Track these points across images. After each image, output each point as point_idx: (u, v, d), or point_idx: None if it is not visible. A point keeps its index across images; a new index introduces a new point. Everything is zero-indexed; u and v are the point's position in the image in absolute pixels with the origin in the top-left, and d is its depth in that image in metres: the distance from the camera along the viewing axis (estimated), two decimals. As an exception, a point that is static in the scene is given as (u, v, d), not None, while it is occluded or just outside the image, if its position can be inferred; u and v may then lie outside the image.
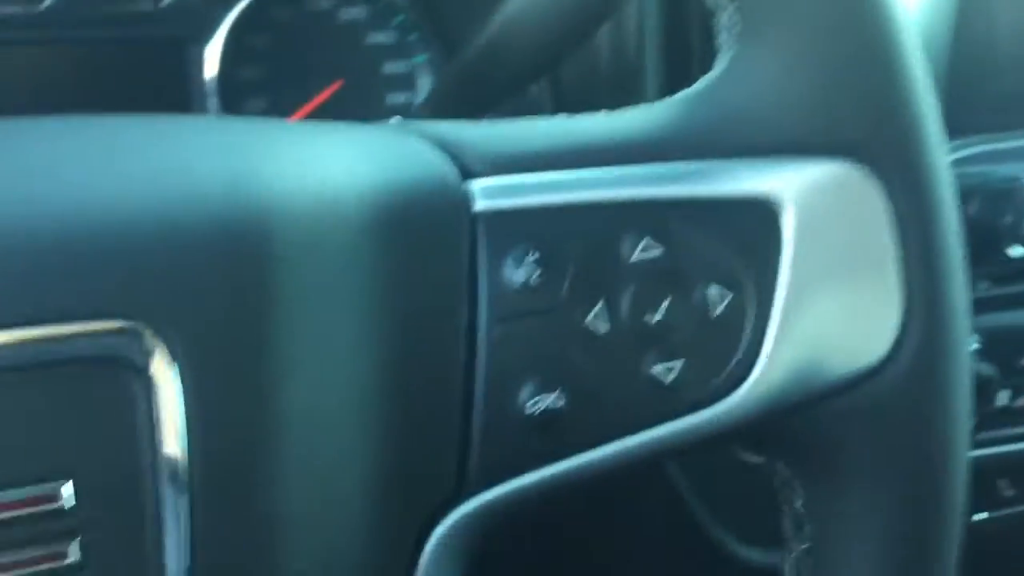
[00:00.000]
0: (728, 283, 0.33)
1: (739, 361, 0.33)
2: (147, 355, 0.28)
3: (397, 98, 0.80)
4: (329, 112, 0.77)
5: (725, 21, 0.35)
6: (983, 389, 0.69)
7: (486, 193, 0.33)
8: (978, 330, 0.70)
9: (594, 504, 0.70)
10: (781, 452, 0.37)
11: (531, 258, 0.32)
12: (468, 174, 0.33)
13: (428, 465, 0.32)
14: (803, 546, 0.36)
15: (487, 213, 0.33)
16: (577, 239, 0.33)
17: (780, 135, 0.34)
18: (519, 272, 0.32)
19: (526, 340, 0.32)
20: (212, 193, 0.29)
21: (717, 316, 0.33)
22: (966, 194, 0.67)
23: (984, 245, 0.68)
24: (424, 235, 0.32)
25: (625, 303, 0.33)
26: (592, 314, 0.33)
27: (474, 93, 0.60)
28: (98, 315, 0.27)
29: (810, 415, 0.34)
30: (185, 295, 0.28)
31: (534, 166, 0.33)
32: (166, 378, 0.28)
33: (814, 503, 0.36)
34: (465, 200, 0.33)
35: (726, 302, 0.33)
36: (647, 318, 0.33)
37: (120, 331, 0.27)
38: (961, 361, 0.35)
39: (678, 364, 0.33)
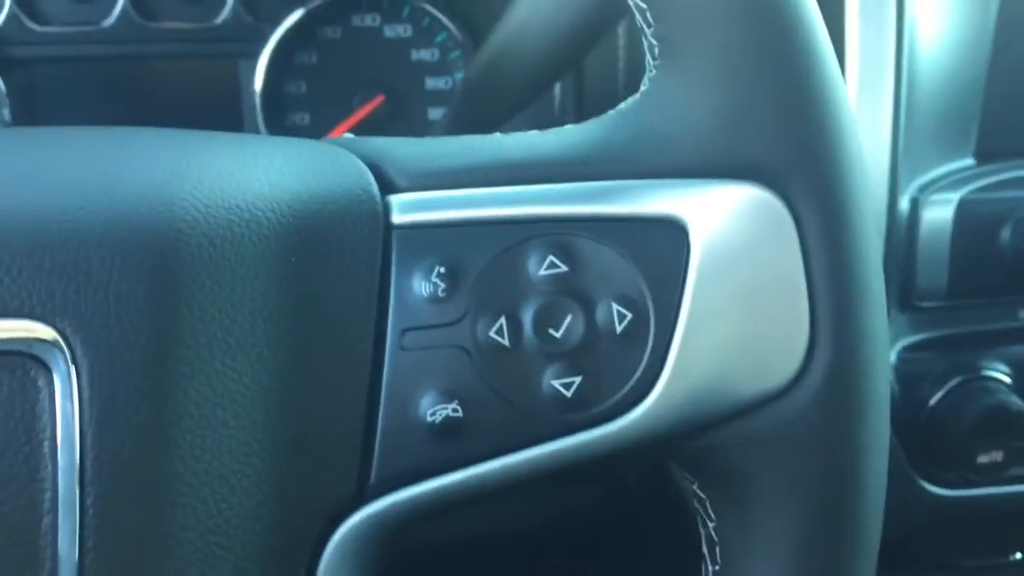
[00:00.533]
0: (631, 302, 0.34)
1: (640, 379, 0.34)
2: (50, 352, 0.30)
3: (438, 113, 0.82)
4: (371, 126, 0.80)
5: (647, 44, 0.35)
6: (1014, 424, 0.66)
7: (403, 207, 0.34)
8: (1011, 362, 0.68)
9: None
10: (693, 474, 0.37)
11: (438, 271, 0.33)
12: (389, 188, 0.34)
13: (330, 468, 0.33)
14: (713, 569, 0.36)
15: (401, 226, 0.34)
16: (483, 254, 0.34)
17: (690, 157, 0.34)
18: (426, 285, 0.33)
19: (430, 350, 0.33)
20: (127, 200, 0.32)
21: (619, 334, 0.34)
22: (999, 219, 0.65)
23: (1019, 272, 0.66)
24: (339, 245, 0.33)
25: (528, 318, 0.34)
26: (494, 328, 0.33)
27: (484, 108, 0.61)
28: (7, 314, 0.30)
29: (715, 437, 0.34)
30: (91, 298, 0.30)
31: (453, 182, 0.35)
32: (67, 374, 0.30)
33: (723, 527, 0.36)
34: (383, 213, 0.34)
35: (628, 320, 0.34)
36: (549, 333, 0.33)
37: (26, 330, 0.30)
38: (873, 390, 0.34)
39: (578, 379, 0.33)
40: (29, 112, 0.77)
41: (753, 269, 0.34)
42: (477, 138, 0.37)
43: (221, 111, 0.80)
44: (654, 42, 0.35)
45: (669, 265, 0.34)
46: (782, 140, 0.33)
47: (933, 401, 0.67)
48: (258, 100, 0.78)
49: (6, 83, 0.76)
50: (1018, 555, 0.74)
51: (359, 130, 0.80)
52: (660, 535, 0.74)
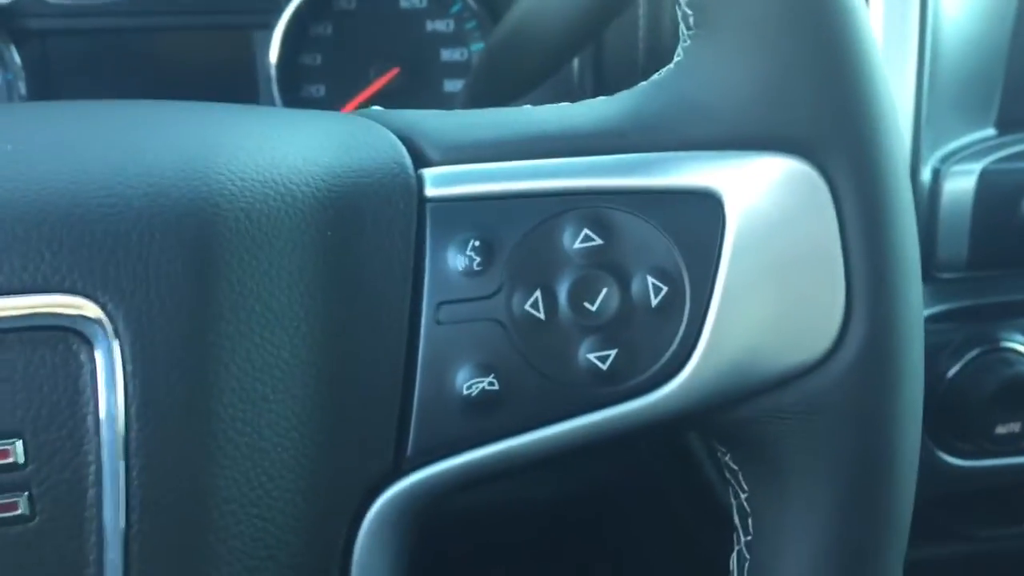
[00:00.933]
0: (667, 275, 0.34)
1: (675, 351, 0.34)
2: (92, 327, 0.30)
3: (454, 85, 0.81)
4: (387, 98, 0.80)
5: (681, 13, 0.35)
6: (1032, 394, 0.66)
7: (436, 181, 0.34)
8: (1030, 332, 0.68)
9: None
10: (726, 446, 0.37)
11: (473, 244, 0.33)
12: (422, 162, 0.34)
13: (367, 441, 0.33)
14: (746, 539, 0.37)
15: (435, 200, 0.34)
16: (518, 227, 0.34)
17: (726, 128, 0.34)
18: (461, 258, 0.33)
19: (465, 324, 0.33)
20: (164, 175, 0.31)
21: (654, 307, 0.34)
22: (1020, 190, 0.65)
23: (1039, 243, 0.66)
24: (374, 218, 0.33)
25: (563, 291, 0.34)
26: (530, 301, 0.33)
27: (504, 80, 0.61)
28: (48, 289, 0.30)
29: (750, 409, 0.34)
30: (131, 272, 0.30)
31: (486, 155, 0.34)
32: (109, 348, 0.30)
33: (756, 498, 0.36)
34: (416, 187, 0.34)
35: (664, 293, 0.34)
36: (585, 307, 0.33)
37: (68, 305, 0.30)
38: (908, 362, 0.34)
39: (613, 352, 0.33)
40: (44, 85, 0.77)
41: (789, 241, 0.34)
42: (509, 110, 0.37)
43: (236, 83, 0.80)
44: (688, 12, 0.35)
45: (705, 238, 0.34)
46: (819, 111, 0.33)
47: (951, 373, 0.67)
48: (273, 72, 0.78)
49: (21, 56, 0.75)
50: (1034, 524, 0.74)
51: (374, 102, 0.79)
52: (682, 511, 0.74)
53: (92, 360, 0.30)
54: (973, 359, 0.67)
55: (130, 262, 0.30)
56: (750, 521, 0.36)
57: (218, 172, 0.32)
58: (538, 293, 0.33)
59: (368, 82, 0.80)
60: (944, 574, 0.76)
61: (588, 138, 0.35)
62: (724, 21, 0.34)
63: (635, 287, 0.34)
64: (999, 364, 0.67)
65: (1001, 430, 0.67)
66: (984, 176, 0.64)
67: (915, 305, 0.34)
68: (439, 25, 0.81)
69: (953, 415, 0.67)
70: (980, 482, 0.70)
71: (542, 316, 0.33)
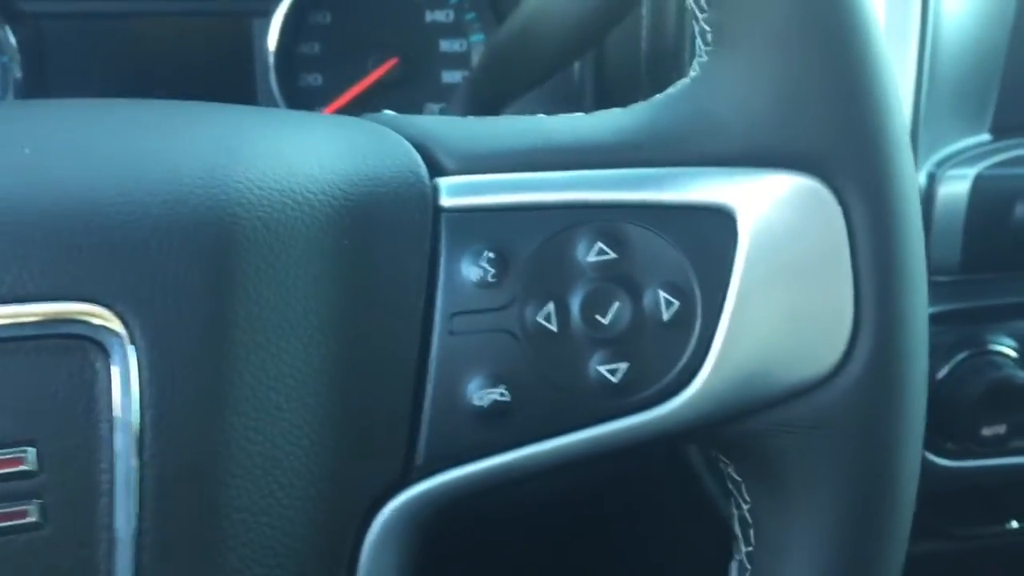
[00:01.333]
0: (679, 289, 0.34)
1: (685, 366, 0.34)
2: (108, 335, 0.30)
3: (453, 76, 0.81)
4: (385, 89, 0.80)
5: (700, 28, 0.35)
6: (1018, 397, 0.67)
7: (451, 190, 0.34)
8: (1018, 336, 0.69)
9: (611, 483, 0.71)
10: (730, 456, 0.37)
11: (487, 256, 0.34)
12: (437, 171, 0.35)
13: (377, 448, 0.33)
14: (747, 550, 0.37)
15: (450, 210, 0.34)
16: (532, 239, 0.34)
17: (740, 145, 0.34)
18: (475, 269, 0.34)
19: (478, 335, 0.34)
20: (182, 182, 0.31)
21: (665, 321, 0.34)
22: (1014, 195, 0.65)
23: (1031, 249, 0.66)
24: (389, 228, 0.33)
25: (576, 304, 0.34)
26: (542, 313, 0.34)
27: (507, 78, 0.61)
28: (64, 297, 0.30)
29: (758, 423, 0.35)
30: (149, 281, 0.30)
31: (501, 166, 0.35)
32: (125, 356, 0.30)
33: (758, 510, 0.37)
34: (431, 196, 0.34)
35: (675, 308, 0.34)
36: (597, 319, 0.34)
37: (84, 313, 0.30)
38: (912, 379, 0.35)
39: (624, 366, 0.34)
40: (39, 68, 0.76)
41: (800, 259, 0.34)
42: (524, 119, 0.37)
43: (233, 70, 0.79)
44: (707, 27, 0.35)
45: (717, 254, 0.34)
46: (832, 131, 0.34)
47: (941, 374, 0.68)
48: (271, 60, 0.78)
49: (16, 38, 0.74)
50: (1014, 524, 0.76)
51: (372, 92, 0.79)
52: (681, 522, 0.75)
53: (107, 368, 0.30)
54: (962, 361, 0.68)
55: (147, 271, 0.30)
56: (752, 532, 0.37)
57: (236, 180, 0.32)
58: (551, 305, 0.34)
59: (366, 72, 0.79)
60: (923, 571, 0.77)
61: (603, 151, 0.35)
62: (742, 40, 0.34)
63: (647, 301, 0.34)
64: (987, 367, 0.68)
65: (987, 432, 0.68)
66: (978, 181, 0.65)
67: (921, 322, 0.35)
68: (438, 15, 0.81)
69: (941, 416, 0.68)
70: (965, 482, 0.71)
71: (554, 328, 0.34)
